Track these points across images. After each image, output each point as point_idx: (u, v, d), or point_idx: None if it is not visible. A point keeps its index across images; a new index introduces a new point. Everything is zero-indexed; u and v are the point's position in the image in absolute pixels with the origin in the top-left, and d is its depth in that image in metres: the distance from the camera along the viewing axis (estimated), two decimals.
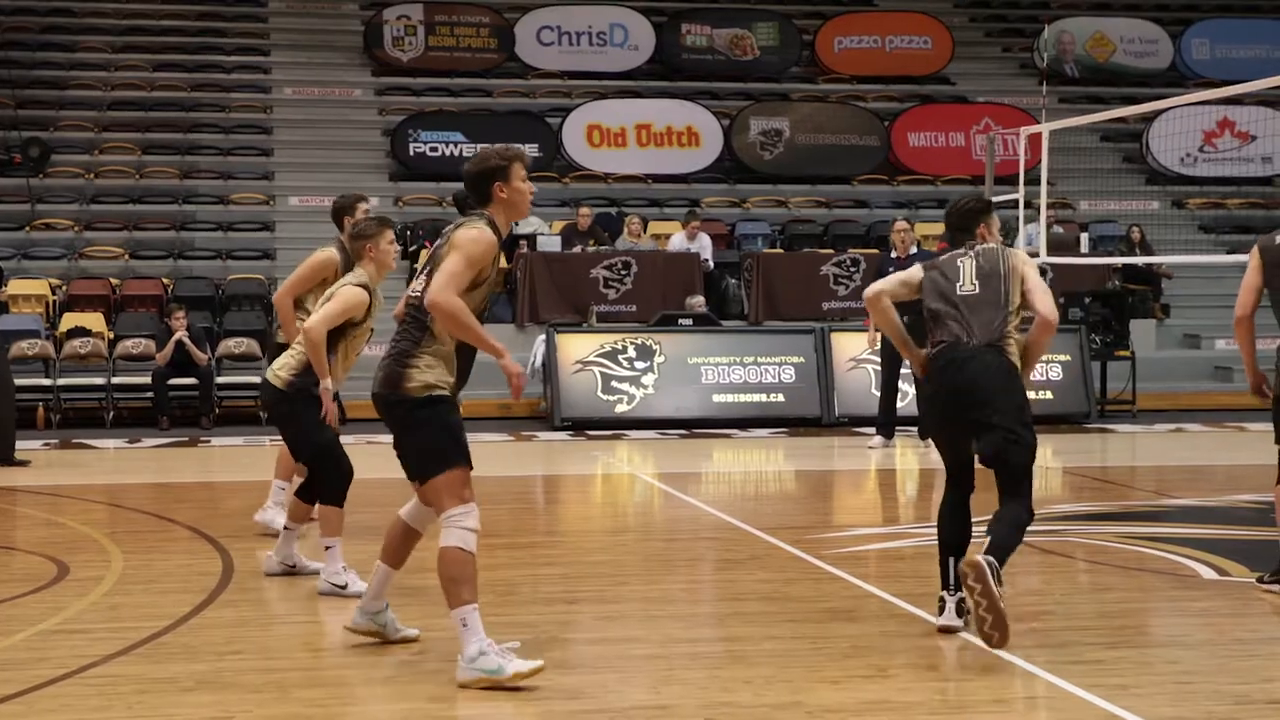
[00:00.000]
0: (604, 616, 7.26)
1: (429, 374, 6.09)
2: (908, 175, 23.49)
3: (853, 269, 18.74)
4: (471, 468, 6.08)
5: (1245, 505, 10.55)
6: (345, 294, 7.90)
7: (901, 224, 15.05)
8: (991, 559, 6.26)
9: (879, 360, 14.89)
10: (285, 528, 8.16)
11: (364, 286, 7.95)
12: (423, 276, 6.16)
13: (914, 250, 14.84)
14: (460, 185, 6.86)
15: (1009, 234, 17.89)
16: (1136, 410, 17.14)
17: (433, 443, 6.11)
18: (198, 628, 6.93)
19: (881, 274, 14.84)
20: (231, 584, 7.96)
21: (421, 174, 22.57)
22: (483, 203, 6.25)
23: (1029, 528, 6.60)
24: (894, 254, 14.82)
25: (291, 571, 8.09)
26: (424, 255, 6.77)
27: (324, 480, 7.89)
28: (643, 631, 6.86)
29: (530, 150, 22.76)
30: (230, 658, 6.36)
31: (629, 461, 13.67)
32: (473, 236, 6.05)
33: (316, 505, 8.02)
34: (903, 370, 14.09)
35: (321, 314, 7.88)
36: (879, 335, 14.66)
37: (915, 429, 14.28)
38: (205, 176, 22.35)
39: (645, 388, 16.30)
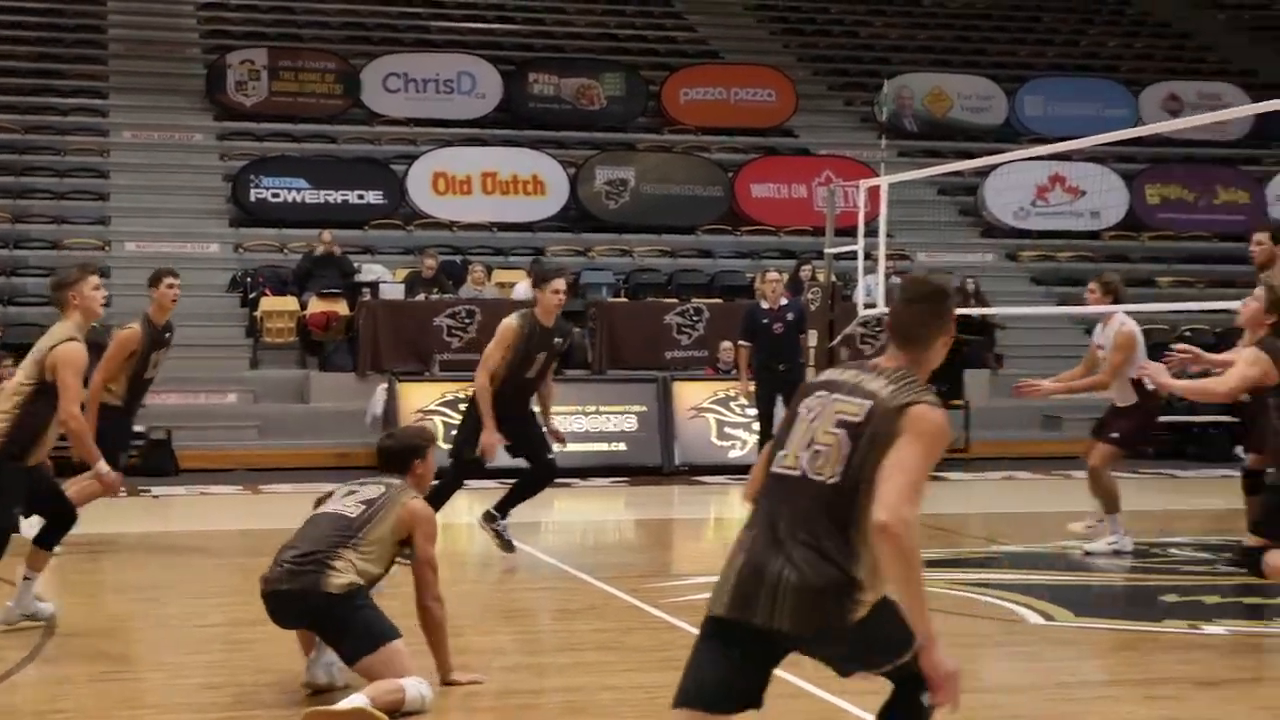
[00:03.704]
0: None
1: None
2: (751, 226, 23.76)
3: (696, 318, 18.89)
4: None
5: (1071, 550, 10.81)
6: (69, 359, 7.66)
7: (772, 274, 15.23)
8: None
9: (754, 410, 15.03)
10: (25, 577, 7.93)
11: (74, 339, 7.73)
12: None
13: (784, 301, 15.02)
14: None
15: (847, 284, 18.20)
16: (970, 458, 17.46)
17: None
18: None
19: (751, 324, 15.12)
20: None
21: (263, 220, 22.32)
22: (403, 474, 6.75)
23: None
24: (764, 304, 14.98)
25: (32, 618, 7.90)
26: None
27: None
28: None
29: (375, 197, 22.70)
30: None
31: (469, 510, 13.61)
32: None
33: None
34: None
35: (76, 394, 7.71)
36: (751, 386, 14.82)
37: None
38: (38, 220, 21.88)
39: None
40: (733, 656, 4.29)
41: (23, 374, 7.71)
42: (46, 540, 8.01)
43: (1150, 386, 10.90)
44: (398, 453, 6.80)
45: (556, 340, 10.28)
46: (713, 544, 12.26)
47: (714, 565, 10.85)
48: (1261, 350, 7.86)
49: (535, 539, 11.87)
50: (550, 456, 10.51)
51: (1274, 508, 7.80)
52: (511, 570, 10.36)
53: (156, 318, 10.78)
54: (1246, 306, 8.28)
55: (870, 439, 4.17)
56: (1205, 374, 9.37)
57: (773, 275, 15.26)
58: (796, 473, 4.27)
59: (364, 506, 6.46)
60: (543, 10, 29.35)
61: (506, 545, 10.43)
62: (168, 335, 10.94)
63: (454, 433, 10.83)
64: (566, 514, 14.15)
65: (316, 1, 28.71)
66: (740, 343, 15.11)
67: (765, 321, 14.85)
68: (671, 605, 8.62)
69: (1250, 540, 7.89)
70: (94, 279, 7.96)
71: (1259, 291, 8.11)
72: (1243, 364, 7.93)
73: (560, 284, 10.21)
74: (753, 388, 14.95)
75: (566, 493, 15.17)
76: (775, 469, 4.36)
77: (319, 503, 6.70)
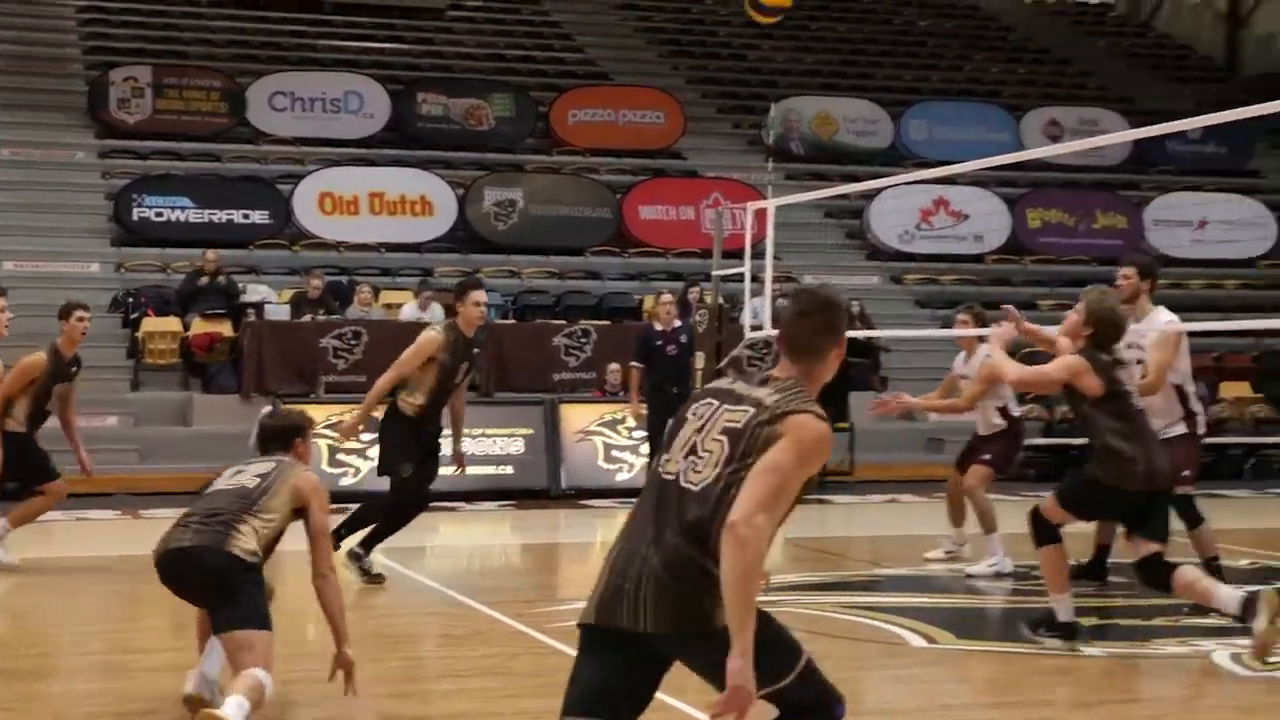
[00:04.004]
0: (323, 696, 7.14)
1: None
2: (639, 247, 23.84)
3: (584, 340, 18.91)
4: None
5: (951, 573, 10.94)
6: None
7: (666, 297, 15.29)
8: None
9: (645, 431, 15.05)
10: None
11: None
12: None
13: (677, 323, 15.07)
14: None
15: (734, 306, 18.30)
16: (854, 481, 17.62)
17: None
18: None
19: (645, 346, 15.14)
20: None
21: (146, 239, 22.05)
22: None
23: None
24: (658, 326, 15.02)
25: None
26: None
27: None
28: (362, 710, 6.78)
29: (260, 217, 22.49)
30: None
31: (351, 535, 13.50)
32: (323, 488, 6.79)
33: None
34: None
35: None
36: (643, 408, 14.84)
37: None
38: None
39: (371, 460, 16.11)
40: (610, 663, 4.25)
41: None
42: None
43: (1016, 413, 11.14)
44: (281, 431, 6.98)
45: (475, 350, 10.42)
46: (598, 567, 12.24)
47: None
48: (1083, 358, 8.06)
49: (420, 563, 11.81)
50: (429, 489, 10.52)
51: (1080, 489, 8.16)
52: (396, 596, 10.29)
53: (65, 349, 10.86)
54: (1068, 318, 8.47)
55: (747, 444, 4.15)
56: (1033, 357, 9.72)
57: (666, 297, 15.33)
58: (671, 478, 4.26)
59: (259, 479, 6.61)
60: (431, 30, 29.30)
61: (376, 578, 10.34)
62: (74, 370, 11.02)
63: (376, 460, 10.77)
64: (452, 538, 14.09)
65: (201, 19, 28.45)
66: (633, 364, 15.16)
67: (659, 343, 14.91)
68: (558, 630, 8.60)
69: (1048, 509, 8.15)
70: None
71: (1080, 306, 8.32)
72: (1060, 363, 8.18)
73: (481, 295, 10.40)
74: (643, 410, 14.98)
75: (452, 516, 15.10)
76: (653, 473, 4.36)
77: (206, 485, 6.79)
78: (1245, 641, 7.80)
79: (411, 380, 10.27)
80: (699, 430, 4.28)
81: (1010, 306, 9.29)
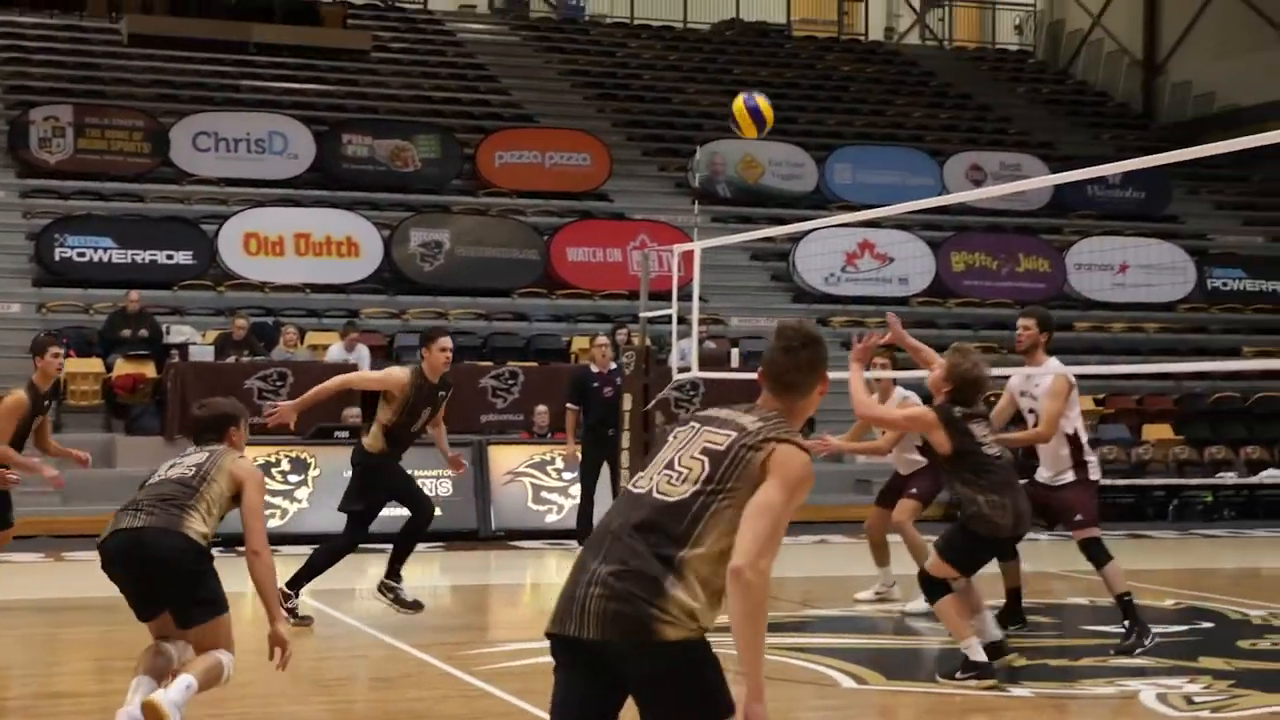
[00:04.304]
0: None
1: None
2: (566, 289, 23.85)
3: (511, 382, 18.87)
4: None
5: (881, 614, 10.97)
6: None
7: (601, 339, 15.27)
8: None
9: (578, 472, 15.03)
10: None
11: None
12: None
13: (613, 365, 15.06)
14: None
15: (662, 348, 18.33)
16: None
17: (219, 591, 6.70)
18: None
19: (581, 388, 15.09)
20: None
21: (68, 280, 21.81)
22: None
23: None
24: (594, 368, 15.01)
25: None
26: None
27: None
28: None
29: (184, 258, 22.31)
30: None
31: (280, 578, 13.38)
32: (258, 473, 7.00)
33: None
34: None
35: None
36: (578, 448, 14.83)
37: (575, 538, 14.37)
38: None
39: (299, 501, 16.04)
40: (571, 676, 4.22)
41: None
42: None
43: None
44: (213, 420, 7.07)
45: (440, 394, 10.59)
46: (529, 610, 12.22)
47: (531, 631, 10.83)
48: (935, 413, 8.49)
49: (350, 605, 11.72)
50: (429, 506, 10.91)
51: (960, 544, 8.54)
52: (325, 639, 10.20)
53: (41, 384, 11.02)
54: (931, 373, 8.88)
55: (729, 466, 4.17)
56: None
57: (602, 339, 15.35)
58: (643, 490, 4.26)
59: (194, 469, 6.77)
60: (355, 71, 29.26)
61: (412, 605, 10.56)
62: (48, 403, 11.21)
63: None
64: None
65: (123, 58, 28.27)
66: (569, 405, 15.14)
67: (596, 385, 14.92)
68: (487, 672, 8.57)
69: (934, 566, 8.55)
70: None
71: (942, 362, 8.78)
72: (909, 411, 8.95)
73: (447, 342, 10.59)
74: (578, 451, 14.96)
75: (381, 558, 14.94)
76: (626, 488, 4.35)
77: (144, 481, 6.89)
78: (1173, 681, 7.87)
79: (379, 416, 10.45)
80: (679, 449, 4.30)
81: (892, 313, 9.73)
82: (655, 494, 4.22)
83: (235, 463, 6.84)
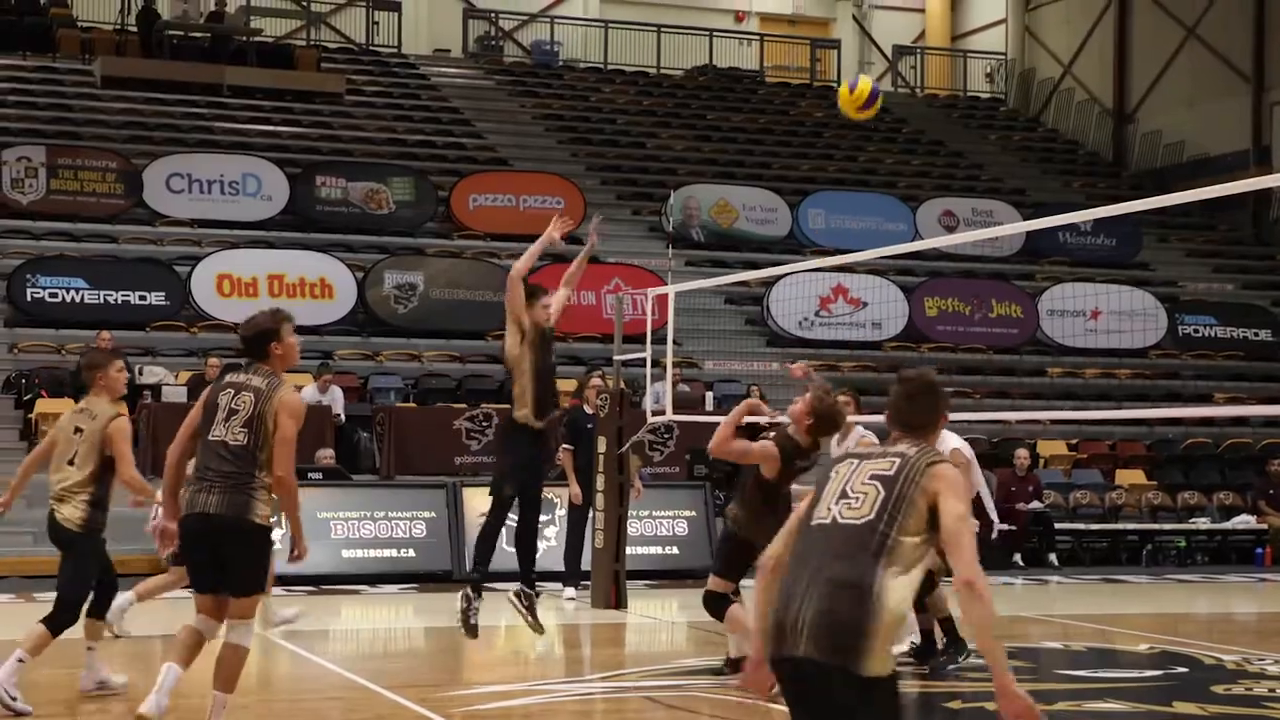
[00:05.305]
0: None
1: (267, 508, 7.16)
2: None
3: (485, 424, 18.83)
4: None
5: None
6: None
7: (595, 381, 15.23)
8: None
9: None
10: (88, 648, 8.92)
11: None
12: (236, 424, 7.14)
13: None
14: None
15: (635, 391, 18.33)
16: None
17: (265, 567, 7.37)
18: None
19: (575, 429, 15.04)
20: None
21: (40, 320, 21.72)
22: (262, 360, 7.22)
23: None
24: (587, 409, 14.97)
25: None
26: (224, 399, 7.30)
27: None
28: None
29: (157, 299, 22.24)
30: None
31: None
32: (296, 404, 7.20)
33: None
34: None
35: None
36: (577, 488, 14.82)
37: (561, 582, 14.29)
38: None
39: (272, 543, 15.89)
40: (802, 697, 4.62)
41: None
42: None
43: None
44: (252, 340, 7.26)
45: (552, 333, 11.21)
46: (503, 652, 12.15)
47: (505, 673, 10.80)
48: (775, 446, 9.23)
49: (323, 647, 11.64)
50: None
51: (731, 552, 9.50)
52: (299, 680, 10.13)
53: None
54: (794, 404, 9.50)
55: (903, 486, 4.70)
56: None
57: (596, 382, 15.34)
58: (828, 520, 4.73)
59: (245, 432, 7.10)
60: (330, 114, 29.29)
61: (537, 625, 10.59)
62: None
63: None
64: (354, 621, 13.92)
65: (96, 99, 28.25)
66: (564, 446, 15.09)
67: (590, 426, 14.90)
68: (462, 715, 8.52)
69: (714, 585, 9.51)
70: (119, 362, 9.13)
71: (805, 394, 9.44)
72: (763, 446, 9.36)
73: (548, 299, 10.93)
74: (580, 492, 14.81)
75: (354, 600, 14.93)
76: (808, 524, 4.78)
77: (208, 411, 7.29)
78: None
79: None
80: (845, 481, 4.79)
81: (804, 363, 10.33)
82: (840, 521, 4.72)
83: (279, 401, 7.07)
